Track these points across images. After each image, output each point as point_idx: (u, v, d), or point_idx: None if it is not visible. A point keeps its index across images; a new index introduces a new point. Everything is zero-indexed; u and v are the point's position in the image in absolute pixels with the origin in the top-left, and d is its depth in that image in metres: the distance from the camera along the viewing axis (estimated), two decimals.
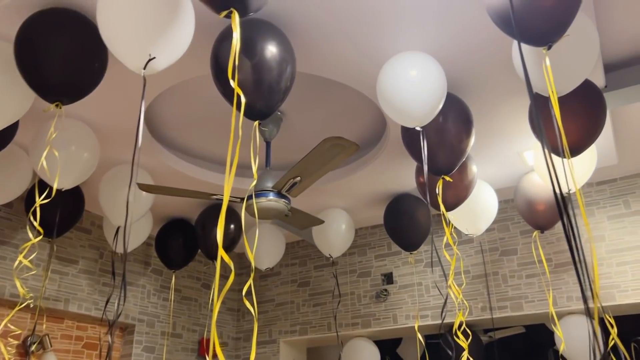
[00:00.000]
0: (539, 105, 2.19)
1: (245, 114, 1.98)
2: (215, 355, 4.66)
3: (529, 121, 2.57)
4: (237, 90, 1.56)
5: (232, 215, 3.86)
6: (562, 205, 1.89)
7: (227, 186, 1.49)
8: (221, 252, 1.42)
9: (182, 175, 3.49)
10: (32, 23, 1.98)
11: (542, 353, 5.10)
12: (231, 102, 1.79)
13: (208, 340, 4.63)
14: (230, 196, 2.73)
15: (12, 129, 2.43)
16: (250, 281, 1.82)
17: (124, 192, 3.14)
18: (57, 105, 1.96)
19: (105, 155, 3.21)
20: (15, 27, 2.12)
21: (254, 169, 1.95)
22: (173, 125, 3.25)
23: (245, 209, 2.94)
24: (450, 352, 2.62)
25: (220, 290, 3.97)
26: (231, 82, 1.54)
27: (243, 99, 1.59)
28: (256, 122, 2.02)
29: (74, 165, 2.57)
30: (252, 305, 1.68)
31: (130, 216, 3.14)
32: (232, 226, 3.82)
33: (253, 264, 1.83)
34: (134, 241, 3.65)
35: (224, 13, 1.54)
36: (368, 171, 3.54)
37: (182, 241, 4.08)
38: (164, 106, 3.05)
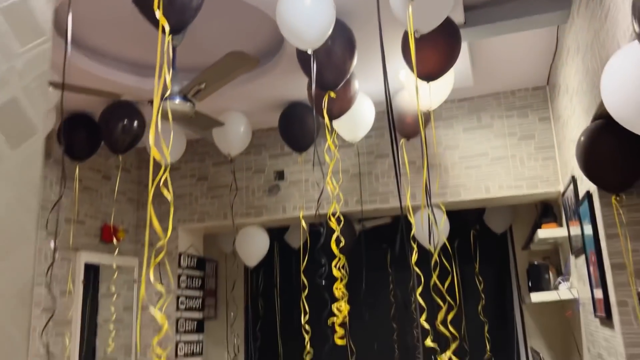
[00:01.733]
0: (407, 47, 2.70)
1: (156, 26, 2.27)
2: (117, 239, 5.07)
3: (401, 51, 3.10)
4: (162, 21, 1.87)
5: (136, 114, 4.12)
6: (421, 120, 2.46)
7: (156, 101, 1.85)
8: (153, 152, 1.82)
9: (89, 74, 3.65)
10: None
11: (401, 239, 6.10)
12: (151, 22, 2.08)
13: (110, 226, 5.00)
14: (137, 98, 3.04)
15: None
16: (167, 174, 2.23)
17: None
18: None
19: None
20: None
21: (168, 79, 2.30)
22: (82, 24, 3.36)
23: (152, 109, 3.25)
24: (321, 230, 3.28)
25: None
26: (157, 13, 1.84)
27: (167, 28, 1.91)
28: (169, 37, 2.32)
29: None
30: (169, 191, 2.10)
31: None
32: (135, 123, 4.09)
33: (169, 159, 2.24)
34: None
35: None
36: (267, 80, 3.94)
37: (86, 135, 4.28)
38: (75, 6, 3.16)
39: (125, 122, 4.10)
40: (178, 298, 5.18)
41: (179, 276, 5.23)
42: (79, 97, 4.09)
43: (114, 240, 4.97)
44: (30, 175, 0.78)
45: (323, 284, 3.24)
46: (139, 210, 5.47)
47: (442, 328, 2.74)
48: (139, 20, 2.99)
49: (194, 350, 5.37)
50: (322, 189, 3.29)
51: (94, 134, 4.32)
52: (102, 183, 5.10)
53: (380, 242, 5.84)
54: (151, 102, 3.28)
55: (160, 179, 2.29)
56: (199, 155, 5.37)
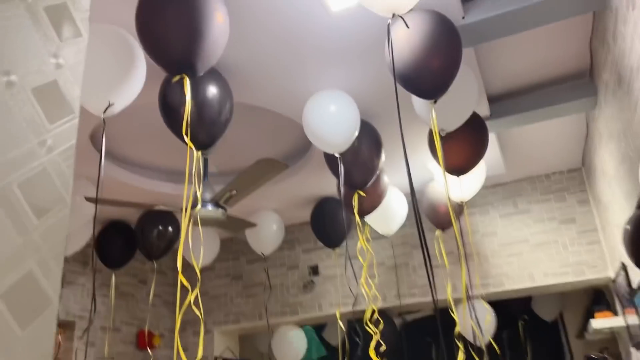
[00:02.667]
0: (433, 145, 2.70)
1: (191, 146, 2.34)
2: (153, 346, 4.98)
3: (429, 148, 3.10)
4: (190, 144, 1.93)
5: (170, 220, 4.18)
6: (453, 215, 2.40)
7: (185, 221, 1.86)
8: (181, 277, 1.80)
9: (126, 185, 3.77)
10: None
11: (447, 333, 5.80)
12: (182, 141, 2.15)
13: (146, 332, 4.93)
14: (169, 206, 3.08)
15: None
16: (197, 291, 2.20)
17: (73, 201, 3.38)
18: None
19: None
20: None
21: (199, 193, 2.33)
22: (118, 138, 3.52)
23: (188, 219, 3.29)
24: (358, 340, 3.13)
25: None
26: (185, 138, 1.90)
27: (195, 153, 1.96)
28: (198, 153, 2.38)
29: None
30: (198, 308, 2.06)
31: (72, 225, 3.40)
32: (170, 230, 4.15)
33: (199, 273, 2.21)
34: (74, 245, 3.89)
35: (177, 78, 1.89)
36: (297, 178, 3.98)
37: (122, 243, 4.35)
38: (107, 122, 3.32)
39: (160, 229, 4.15)
40: None
41: None
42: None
43: (149, 348, 4.88)
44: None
45: None
46: (175, 313, 5.41)
47: None
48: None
49: None
50: (355, 296, 3.19)
51: (130, 241, 4.38)
52: (138, 288, 5.11)
53: (423, 335, 5.57)
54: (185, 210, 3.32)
55: (188, 301, 2.25)
56: (233, 253, 5.36)
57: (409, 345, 4.71)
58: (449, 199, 2.43)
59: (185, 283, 1.79)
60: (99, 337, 4.54)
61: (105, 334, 4.57)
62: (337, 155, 2.80)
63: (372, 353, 2.68)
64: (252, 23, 2.34)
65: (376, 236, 4.68)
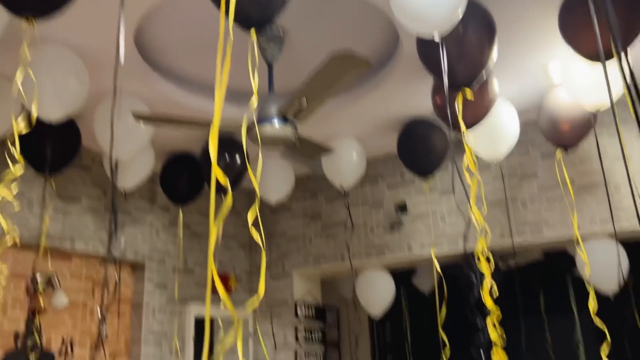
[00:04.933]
0: None
1: (238, 22, 1.75)
2: (229, 289, 4.63)
3: (560, 26, 2.30)
4: None
5: (236, 147, 3.66)
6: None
7: (218, 106, 1.29)
8: (215, 170, 1.26)
9: (181, 105, 3.29)
10: None
11: (560, 280, 5.02)
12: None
13: (220, 275, 4.58)
14: (227, 124, 2.53)
15: None
16: (256, 211, 1.67)
17: (124, 123, 2.95)
18: (28, 20, 1.73)
19: (98, 86, 2.99)
20: None
21: (255, 86, 1.75)
22: (169, 50, 3.01)
23: (249, 137, 2.75)
24: (474, 279, 2.50)
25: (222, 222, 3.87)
26: None
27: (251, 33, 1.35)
28: (253, 31, 1.78)
29: (60, 94, 2.37)
30: (260, 236, 1.53)
31: (125, 151, 2.97)
32: (237, 157, 3.64)
33: (258, 192, 1.66)
34: (135, 177, 3.51)
35: None
36: (379, 94, 3.31)
37: (187, 176, 3.93)
38: (157, 30, 2.80)
39: (226, 159, 3.66)
40: (296, 353, 4.57)
41: (296, 328, 4.64)
42: (178, 136, 3.75)
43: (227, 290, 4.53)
44: None
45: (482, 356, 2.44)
46: (252, 255, 5.03)
47: None
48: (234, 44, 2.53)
49: None
50: (468, 220, 2.53)
51: (196, 174, 3.95)
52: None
53: (530, 283, 4.82)
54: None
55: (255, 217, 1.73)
56: (310, 191, 4.83)
57: (514, 294, 4.02)
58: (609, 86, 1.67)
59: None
60: (170, 279, 4.24)
61: (175, 276, 4.26)
62: (437, 38, 2.09)
63: (486, 297, 2.05)
64: None
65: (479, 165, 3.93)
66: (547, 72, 3.12)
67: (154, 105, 3.25)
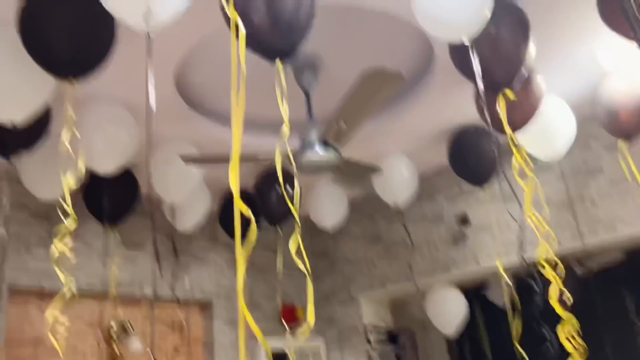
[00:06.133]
0: None
1: (263, 54, 1.78)
2: (296, 319, 4.62)
3: (601, 15, 2.18)
4: (234, 15, 1.35)
5: (288, 179, 3.69)
6: None
7: (236, 140, 1.31)
8: (237, 201, 1.26)
9: (227, 142, 3.36)
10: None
11: None
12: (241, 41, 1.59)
13: (287, 306, 4.59)
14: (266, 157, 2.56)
15: (45, 119, 2.37)
16: (298, 239, 1.67)
17: (175, 167, 3.06)
18: (70, 82, 1.85)
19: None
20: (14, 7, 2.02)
21: (285, 115, 1.77)
22: (211, 91, 3.11)
23: (296, 167, 2.77)
24: (535, 287, 2.35)
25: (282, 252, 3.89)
26: (225, 5, 1.33)
27: (242, 29, 1.38)
28: (278, 61, 1.81)
29: (111, 147, 2.50)
30: (303, 262, 1.53)
31: (179, 193, 3.07)
32: (288, 189, 3.67)
33: (297, 217, 1.66)
34: (194, 218, 3.61)
35: None
36: (421, 107, 3.25)
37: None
38: (198, 72, 2.91)
39: (277, 190, 3.70)
40: None
41: (369, 355, 4.54)
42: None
43: (293, 321, 4.53)
44: None
45: None
46: (317, 284, 5.01)
47: None
48: (269, 76, 2.60)
49: None
50: (522, 228, 2.41)
51: (253, 210, 4.01)
52: (273, 259, 4.77)
53: (613, 286, 4.50)
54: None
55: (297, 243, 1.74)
56: (367, 213, 4.78)
57: (596, 299, 3.76)
58: None
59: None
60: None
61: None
62: (466, 42, 2.04)
63: (553, 302, 1.92)
64: None
65: (535, 168, 3.75)
66: (597, 61, 2.95)
67: (202, 146, 3.35)
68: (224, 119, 3.40)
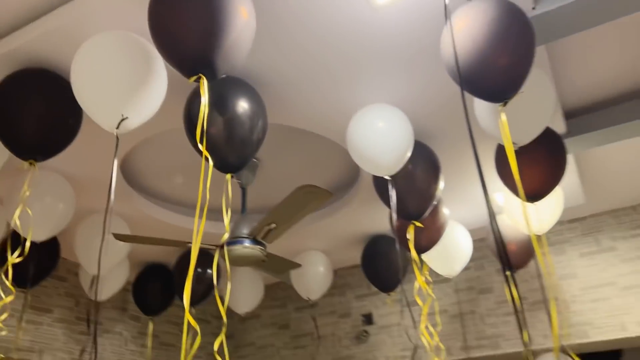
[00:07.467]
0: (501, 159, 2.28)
1: (218, 167, 2.04)
2: None
3: (496, 169, 2.66)
4: (205, 153, 1.62)
5: (209, 261, 3.85)
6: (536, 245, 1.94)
7: (196, 243, 1.53)
8: (188, 317, 1.45)
9: (159, 221, 3.51)
10: (6, 84, 2.03)
11: None
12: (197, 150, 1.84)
13: None
14: (204, 244, 2.76)
15: None
16: (222, 337, 1.85)
17: (99, 241, 3.13)
18: (30, 164, 1.99)
19: (81, 205, 3.22)
20: None
21: (226, 220, 2.00)
22: (149, 173, 3.29)
23: (221, 256, 2.96)
24: None
25: (192, 343, 3.94)
26: (200, 146, 1.60)
27: (211, 163, 1.65)
28: (228, 175, 2.07)
29: (49, 217, 2.59)
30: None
31: (103, 266, 3.14)
32: (208, 272, 3.82)
33: (225, 319, 1.86)
34: (110, 288, 3.63)
35: (193, 78, 1.61)
36: (344, 214, 3.60)
37: (160, 287, 4.06)
38: (140, 155, 3.10)
39: (199, 271, 3.84)
40: None
41: None
42: (152, 249, 3.94)
43: None
44: None
45: None
46: None
47: None
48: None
49: None
50: (414, 349, 2.72)
51: (168, 285, 4.09)
52: (180, 337, 4.77)
53: None
54: (216, 247, 3.00)
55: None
56: (279, 300, 4.97)
57: None
58: (529, 224, 1.98)
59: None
60: None
61: None
62: (387, 177, 2.42)
63: None
64: (286, 25, 2.06)
65: (436, 279, 4.18)
66: (494, 201, 3.47)
67: (134, 222, 3.46)
68: (159, 199, 3.56)
